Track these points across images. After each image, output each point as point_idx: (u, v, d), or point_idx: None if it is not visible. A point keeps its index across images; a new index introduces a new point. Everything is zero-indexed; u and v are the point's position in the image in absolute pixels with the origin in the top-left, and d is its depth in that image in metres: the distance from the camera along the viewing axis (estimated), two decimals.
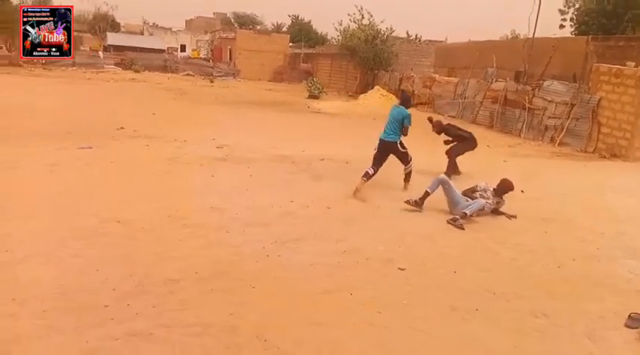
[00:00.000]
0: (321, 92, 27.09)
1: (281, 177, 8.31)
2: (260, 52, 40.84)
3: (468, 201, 6.94)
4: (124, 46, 42.64)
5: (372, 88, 25.73)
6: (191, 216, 5.99)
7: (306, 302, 4.10)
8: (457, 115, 20.24)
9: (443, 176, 7.18)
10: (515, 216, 7.15)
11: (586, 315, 4.12)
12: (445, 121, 10.02)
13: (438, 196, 6.99)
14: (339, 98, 27.22)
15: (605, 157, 13.67)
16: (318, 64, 38.73)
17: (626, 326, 3.91)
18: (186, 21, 65.52)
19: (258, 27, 56.77)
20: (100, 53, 39.99)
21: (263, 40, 42.35)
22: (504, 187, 7.30)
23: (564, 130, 15.23)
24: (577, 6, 25.73)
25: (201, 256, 4.91)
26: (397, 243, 5.64)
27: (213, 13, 67.27)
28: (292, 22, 58.25)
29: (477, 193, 7.14)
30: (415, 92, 24.06)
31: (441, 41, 32.81)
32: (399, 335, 3.71)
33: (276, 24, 60.50)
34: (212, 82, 33.59)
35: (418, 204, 6.93)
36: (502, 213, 7.23)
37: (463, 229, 6.34)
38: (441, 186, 6.98)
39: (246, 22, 59.74)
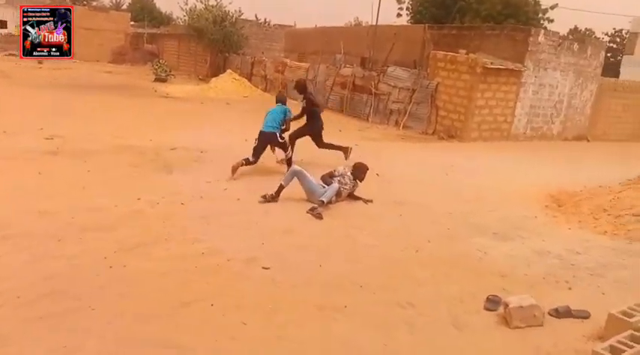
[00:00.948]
0: (168, 75, 25.48)
1: (125, 172, 7.45)
2: (97, 31, 37.07)
3: (324, 187, 6.87)
4: None
5: (224, 71, 24.87)
6: (12, 225, 4.99)
7: (158, 320, 3.58)
8: None
9: (295, 167, 6.98)
10: (371, 201, 7.28)
11: (448, 300, 4.22)
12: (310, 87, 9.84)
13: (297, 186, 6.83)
14: (189, 82, 25.89)
15: (443, 138, 14.82)
16: (165, 45, 36.44)
17: (486, 309, 4.08)
18: None
19: (94, 3, 51.62)
20: None
21: (100, 17, 38.46)
22: (361, 170, 7.38)
23: (407, 114, 16.19)
24: None
25: (26, 274, 4.07)
26: (259, 239, 5.31)
27: None
28: None
29: (335, 178, 7.09)
30: (268, 76, 23.93)
31: (290, 26, 32.93)
32: (265, 347, 3.39)
33: (114, 1, 55.64)
34: (41, 63, 29.67)
35: (274, 197, 6.70)
36: (359, 198, 7.32)
37: (322, 218, 6.24)
38: (296, 177, 6.82)
39: None
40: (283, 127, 8.26)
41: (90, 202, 5.90)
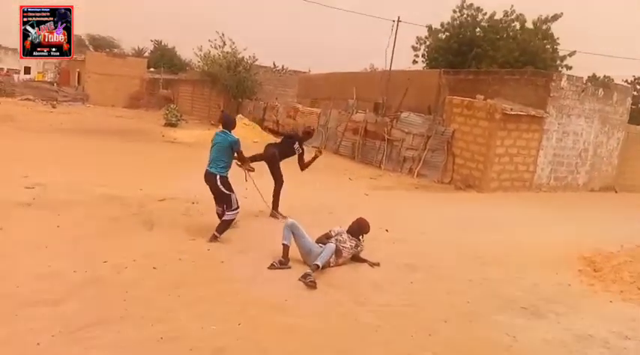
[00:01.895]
0: (179, 120, 25.24)
1: (100, 227, 6.61)
2: (113, 76, 37.52)
3: (322, 247, 5.94)
4: None
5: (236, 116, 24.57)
6: None
7: None
8: (320, 145, 19.78)
9: (291, 220, 6.09)
10: (378, 264, 6.33)
11: None
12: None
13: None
14: (200, 127, 25.53)
15: (460, 188, 13.87)
16: (180, 90, 36.65)
17: None
18: None
19: (116, 50, 52.70)
20: None
21: (117, 63, 39.02)
22: (360, 227, 6.46)
23: (421, 162, 15.34)
24: (427, 43, 27.31)
25: None
26: (236, 318, 4.36)
27: None
28: (155, 47, 55.14)
29: (332, 239, 6.18)
30: (279, 121, 23.57)
31: (304, 72, 32.81)
32: None
33: (137, 48, 56.86)
34: (54, 107, 29.83)
35: (284, 262, 5.77)
36: (364, 261, 6.37)
37: (315, 287, 5.26)
38: (291, 232, 5.92)
39: (102, 45, 55.12)
40: (229, 167, 6.62)
41: (44, 267, 5.03)
